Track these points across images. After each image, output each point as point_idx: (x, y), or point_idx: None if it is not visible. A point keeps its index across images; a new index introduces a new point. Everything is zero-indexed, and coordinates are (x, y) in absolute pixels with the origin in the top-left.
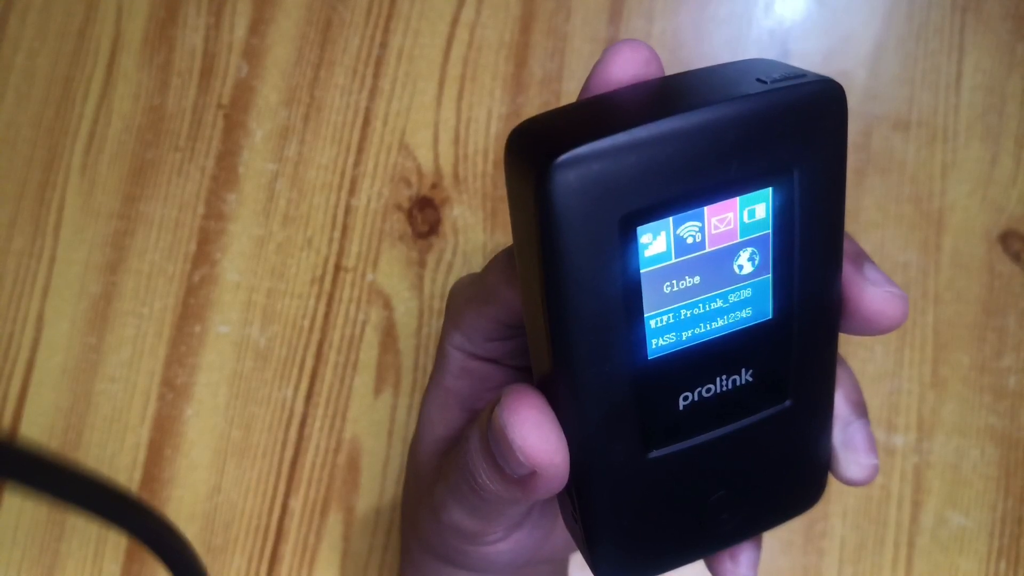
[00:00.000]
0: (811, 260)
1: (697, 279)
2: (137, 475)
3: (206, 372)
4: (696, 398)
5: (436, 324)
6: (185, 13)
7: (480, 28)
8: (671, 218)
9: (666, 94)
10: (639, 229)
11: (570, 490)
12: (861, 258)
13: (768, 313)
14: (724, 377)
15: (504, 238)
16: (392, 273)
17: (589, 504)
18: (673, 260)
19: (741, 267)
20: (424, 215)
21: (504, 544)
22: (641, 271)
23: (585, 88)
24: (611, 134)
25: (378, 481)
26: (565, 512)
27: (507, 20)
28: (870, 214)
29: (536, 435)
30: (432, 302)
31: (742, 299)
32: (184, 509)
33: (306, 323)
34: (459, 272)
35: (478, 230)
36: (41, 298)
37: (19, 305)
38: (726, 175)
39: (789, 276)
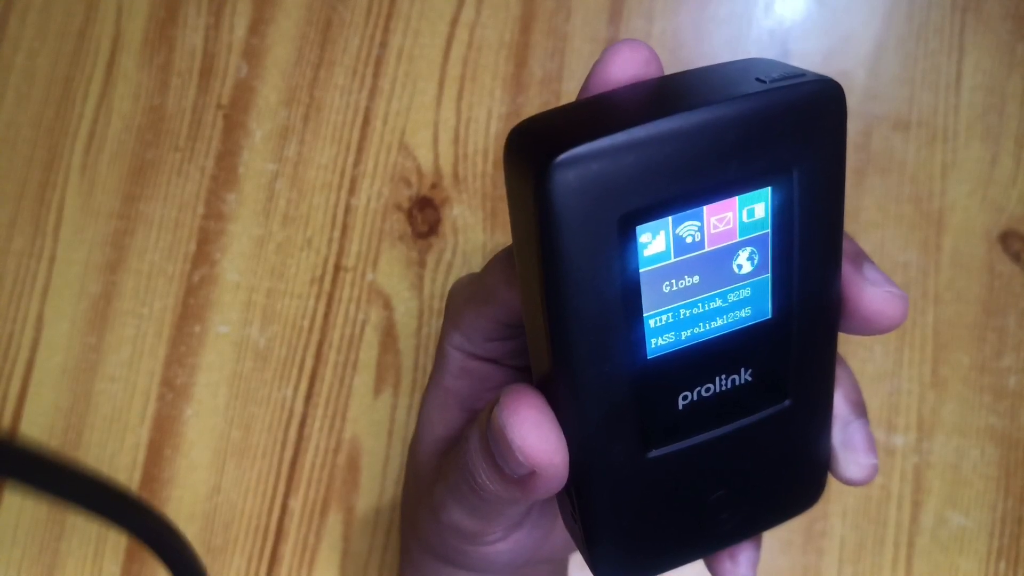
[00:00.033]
0: (810, 260)
1: (696, 279)
2: (137, 475)
3: (206, 372)
4: (695, 398)
5: (436, 324)
6: (185, 13)
7: (480, 28)
8: (670, 217)
9: (665, 94)
10: (638, 228)
11: (569, 490)
12: (860, 258)
13: (767, 313)
14: (723, 377)
15: (504, 238)
16: (392, 273)
17: (588, 504)
18: (672, 260)
19: (740, 267)
20: (424, 215)
21: (504, 544)
22: (640, 270)
23: (584, 88)
24: (610, 134)
25: (378, 481)
26: (564, 512)
27: (507, 20)
28: (870, 214)
29: (535, 435)
30: (432, 302)
31: (741, 299)
32: (184, 509)
33: (306, 323)
34: (459, 272)
35: (478, 230)
36: (41, 298)
37: (19, 305)
38: (725, 174)
39: (788, 276)
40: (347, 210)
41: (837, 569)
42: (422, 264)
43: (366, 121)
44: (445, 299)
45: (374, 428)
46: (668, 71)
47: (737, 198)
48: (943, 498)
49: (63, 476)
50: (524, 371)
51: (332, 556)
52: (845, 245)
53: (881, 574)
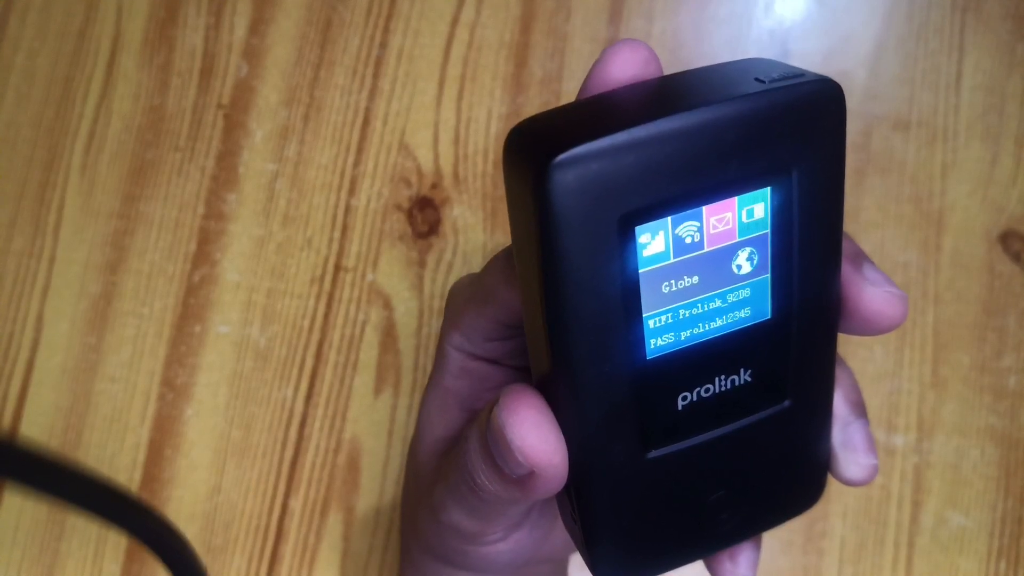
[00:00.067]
0: (810, 260)
1: (696, 279)
2: (137, 475)
3: (206, 372)
4: (695, 398)
5: (436, 324)
6: (185, 13)
7: (480, 28)
8: (669, 218)
9: (665, 94)
10: (637, 229)
11: (569, 490)
12: (860, 258)
13: (767, 313)
14: (723, 377)
15: (504, 238)
16: (392, 273)
17: (588, 504)
18: (672, 260)
19: (740, 267)
20: (424, 215)
21: (503, 544)
22: (639, 271)
23: (584, 88)
24: (610, 134)
25: (378, 481)
26: (564, 512)
27: (507, 20)
28: (870, 214)
29: (535, 435)
30: (432, 302)
31: (741, 299)
32: (184, 509)
33: (306, 323)
34: (459, 272)
35: (478, 230)
36: (41, 298)
37: (19, 305)
38: (725, 175)
39: (788, 276)
40: (347, 210)
41: (837, 569)
42: (422, 264)
43: (366, 121)
44: (445, 299)
45: (374, 428)
46: (668, 71)
47: (736, 198)
48: (943, 498)
49: (63, 477)
50: (524, 371)
51: (332, 556)
52: (845, 245)
53: (881, 574)
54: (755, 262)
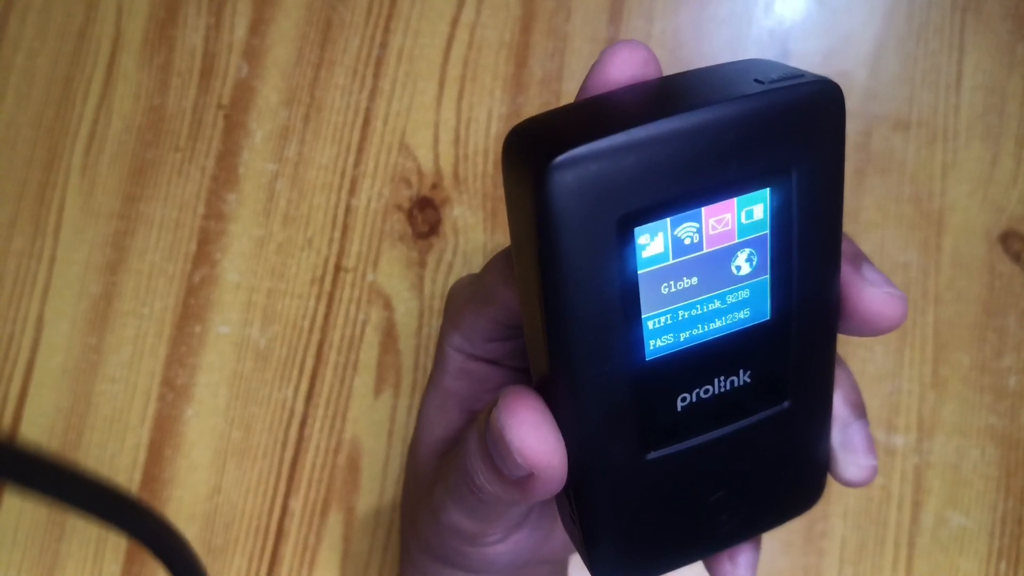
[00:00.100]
0: (809, 261)
1: (695, 280)
2: (137, 475)
3: (206, 372)
4: (694, 399)
5: (436, 324)
6: (185, 13)
7: (480, 28)
8: (668, 219)
9: (664, 95)
10: (636, 230)
11: (568, 491)
12: (859, 259)
13: (766, 314)
14: (722, 378)
15: (504, 238)
16: (392, 273)
17: (587, 505)
18: (671, 261)
19: (739, 268)
20: (424, 215)
21: (503, 545)
22: (639, 272)
23: (583, 89)
24: (609, 135)
25: (378, 481)
26: (563, 513)
27: (507, 20)
28: (870, 214)
29: (534, 436)
30: (432, 302)
31: (740, 300)
32: (184, 509)
33: (306, 323)
34: (459, 272)
35: (478, 230)
36: (41, 298)
37: (19, 305)
38: (724, 176)
39: (787, 277)
40: (347, 210)
41: (838, 570)
42: (422, 264)
43: (366, 121)
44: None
45: (374, 428)
46: (668, 71)
47: (735, 199)
48: (943, 498)
49: (63, 478)
50: (524, 372)
51: (332, 556)
52: (844, 246)
53: (881, 574)
54: (754, 263)
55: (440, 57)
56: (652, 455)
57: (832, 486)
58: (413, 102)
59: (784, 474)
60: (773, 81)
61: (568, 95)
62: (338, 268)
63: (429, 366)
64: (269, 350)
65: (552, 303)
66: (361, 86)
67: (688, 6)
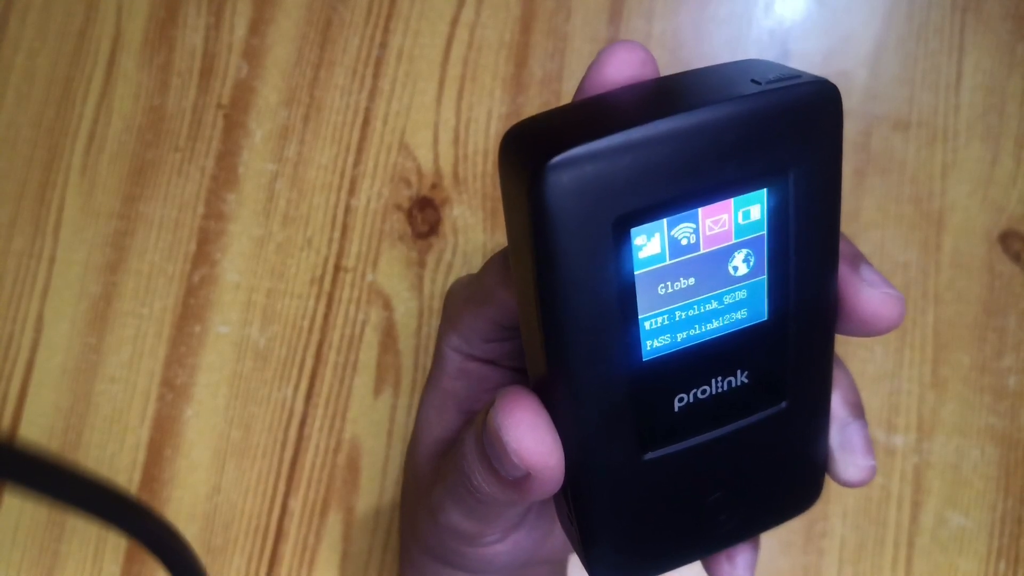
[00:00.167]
0: (806, 261)
1: (692, 280)
2: (137, 475)
3: (206, 372)
4: (691, 400)
5: (436, 324)
6: (185, 13)
7: (480, 28)
8: (665, 219)
9: (661, 95)
10: (633, 231)
11: (566, 491)
12: (858, 259)
13: (763, 314)
14: (719, 379)
15: (504, 238)
16: (392, 273)
17: (585, 506)
18: (667, 262)
19: (736, 268)
20: (424, 215)
21: (502, 545)
22: (635, 273)
23: (580, 89)
24: (605, 135)
25: (378, 481)
26: (561, 514)
27: (507, 20)
28: (870, 214)
29: (530, 437)
30: (432, 302)
31: (737, 300)
32: (184, 509)
33: (306, 323)
34: (459, 272)
35: (478, 230)
36: (41, 298)
37: (19, 305)
38: (721, 176)
39: (784, 277)
40: (347, 210)
41: (837, 569)
42: (422, 264)
43: (366, 121)
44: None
45: (374, 428)
46: (668, 71)
47: (732, 200)
48: (943, 498)
49: (63, 478)
50: (522, 372)
51: (332, 556)
52: (842, 247)
53: (881, 574)
54: (751, 263)
55: (440, 57)
56: (649, 455)
57: (832, 486)
58: (413, 102)
59: (782, 474)
60: (770, 82)
61: (568, 95)
62: (338, 268)
63: (428, 366)
64: (269, 350)
65: (549, 304)
66: (361, 86)
67: (688, 6)
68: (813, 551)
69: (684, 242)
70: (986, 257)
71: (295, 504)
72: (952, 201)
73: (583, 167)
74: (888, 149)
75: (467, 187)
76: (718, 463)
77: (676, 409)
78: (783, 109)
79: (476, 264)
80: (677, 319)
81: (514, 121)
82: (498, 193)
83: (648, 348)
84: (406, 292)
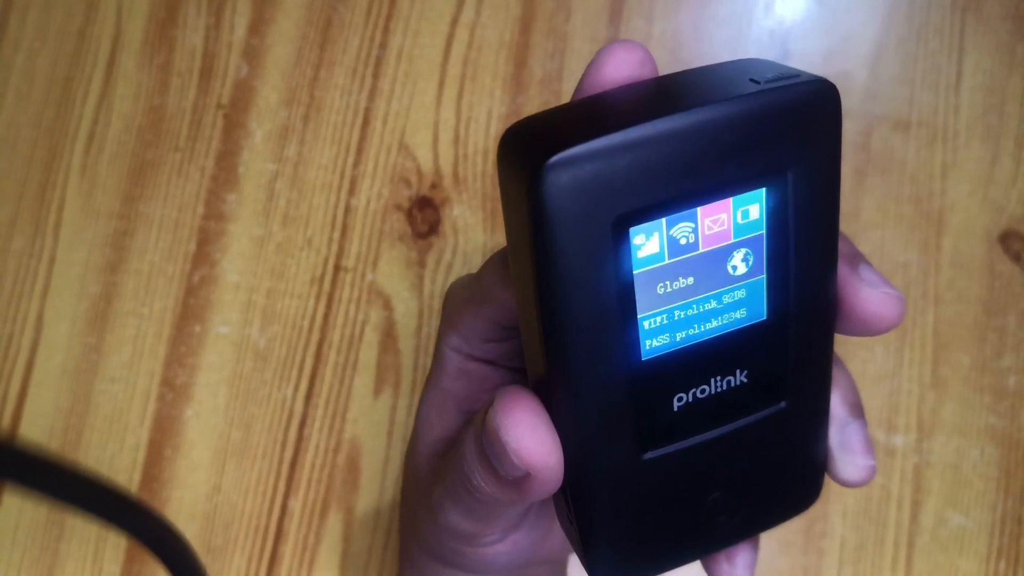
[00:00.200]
0: (806, 261)
1: (691, 280)
2: (137, 475)
3: (206, 372)
4: (691, 399)
5: (436, 324)
6: (185, 13)
7: (480, 28)
8: (664, 219)
9: (659, 95)
10: (632, 230)
11: (565, 491)
12: (857, 259)
13: (762, 314)
14: (719, 378)
15: (504, 238)
16: (392, 273)
17: (584, 505)
18: (666, 261)
19: (735, 268)
20: (424, 215)
21: (502, 545)
22: (634, 272)
23: (579, 88)
24: (604, 135)
25: (378, 481)
26: (561, 514)
27: (507, 20)
28: (870, 214)
29: (530, 437)
30: (432, 302)
31: (736, 300)
32: (184, 509)
33: (306, 323)
34: (459, 272)
35: (478, 230)
36: (41, 298)
37: (19, 305)
38: (719, 175)
39: (784, 277)
40: (347, 210)
41: (837, 569)
42: (422, 264)
43: (366, 121)
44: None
45: (374, 428)
46: (668, 71)
47: (731, 199)
48: (943, 498)
49: (63, 477)
50: (521, 372)
51: (332, 556)
52: (841, 246)
53: (881, 574)
54: (750, 263)
55: (440, 57)
56: (649, 455)
57: (832, 486)
58: (413, 102)
59: (782, 474)
60: (769, 81)
61: (568, 95)
62: (338, 268)
63: (428, 366)
64: (269, 350)
65: (548, 303)
66: (361, 86)
67: (688, 6)
68: (813, 551)
69: (683, 241)
70: (986, 257)
71: (295, 504)
72: (952, 201)
73: (582, 166)
74: (888, 149)
75: (467, 187)
76: (717, 463)
77: (675, 409)
78: (782, 108)
79: (476, 264)
80: (676, 318)
81: (514, 121)
82: (498, 193)
83: (647, 348)
84: (406, 292)
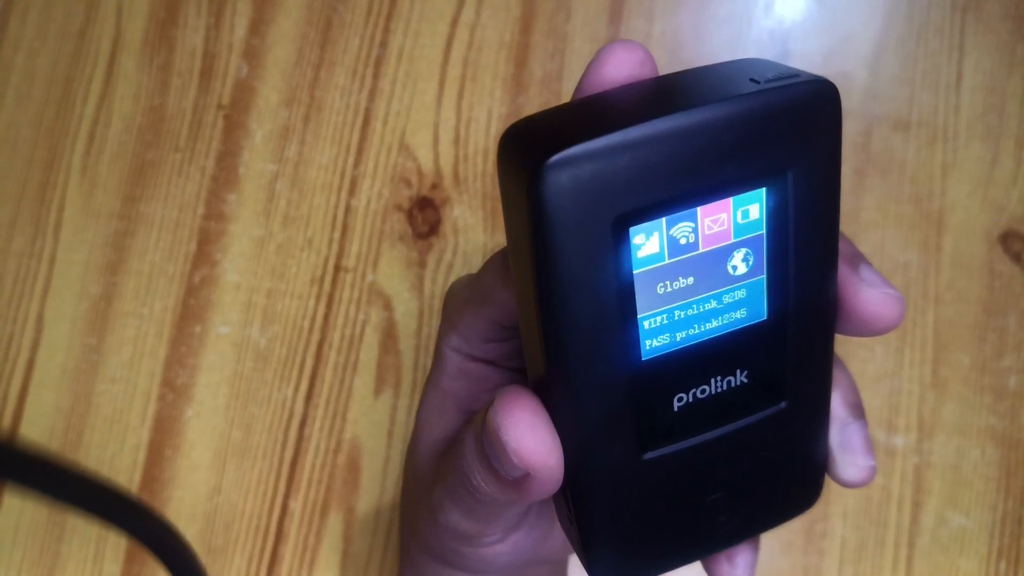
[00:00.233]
0: (806, 261)
1: (691, 280)
2: (137, 476)
3: (206, 373)
4: (691, 399)
5: (436, 324)
6: (185, 13)
7: (480, 28)
8: (664, 219)
9: (659, 94)
10: (632, 230)
11: (565, 491)
12: (857, 259)
13: (763, 314)
14: (719, 378)
15: (504, 238)
16: (392, 273)
17: (584, 506)
18: (666, 261)
19: (735, 268)
20: (424, 215)
21: (502, 546)
22: (634, 272)
23: (579, 88)
24: (604, 134)
25: (378, 481)
26: (561, 514)
27: (507, 20)
28: (870, 214)
29: (530, 437)
30: (432, 302)
31: (736, 300)
32: (184, 510)
33: (306, 323)
34: (459, 272)
35: (478, 230)
36: (41, 299)
37: (19, 305)
38: (719, 175)
39: (784, 277)
40: (347, 211)
41: (838, 570)
42: (422, 264)
43: (366, 121)
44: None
45: (374, 428)
46: (668, 71)
47: (731, 199)
48: (943, 498)
49: (63, 478)
50: (521, 373)
51: (332, 557)
52: (841, 246)
53: (881, 575)
54: (750, 263)
55: (440, 57)
56: (649, 455)
57: (832, 486)
58: (413, 102)
59: (782, 474)
60: (769, 81)
61: (568, 95)
62: (338, 268)
63: (429, 366)
64: (269, 350)
65: (548, 303)
66: (361, 86)
67: (688, 6)
68: (813, 551)
69: (683, 241)
70: (986, 257)
71: (295, 504)
72: (952, 201)
73: (582, 166)
74: (888, 149)
75: (467, 187)
76: (718, 463)
77: (675, 409)
78: (782, 108)
79: (476, 264)
80: (676, 318)
81: (514, 121)
82: (498, 193)
83: (647, 347)
84: (406, 292)
